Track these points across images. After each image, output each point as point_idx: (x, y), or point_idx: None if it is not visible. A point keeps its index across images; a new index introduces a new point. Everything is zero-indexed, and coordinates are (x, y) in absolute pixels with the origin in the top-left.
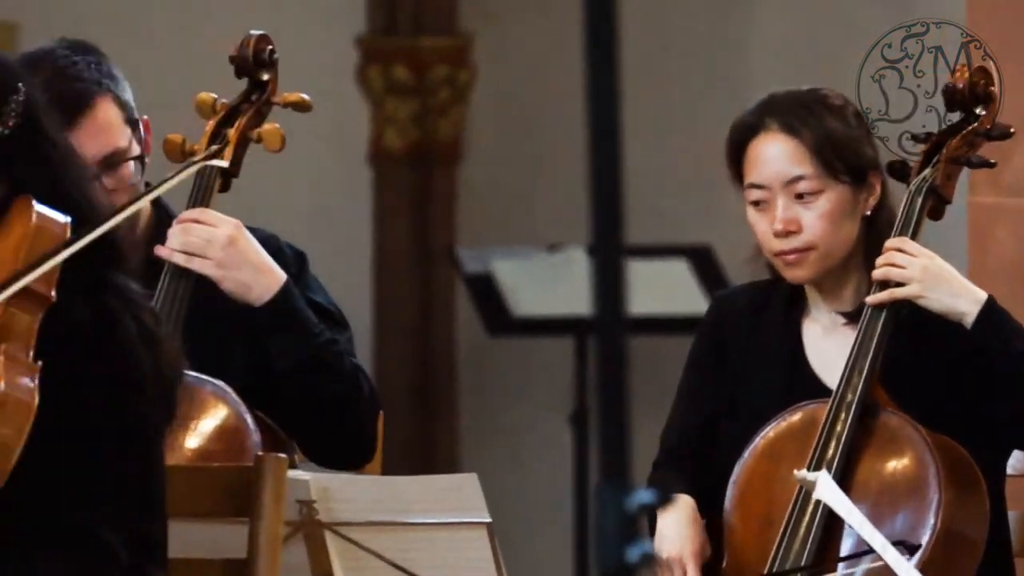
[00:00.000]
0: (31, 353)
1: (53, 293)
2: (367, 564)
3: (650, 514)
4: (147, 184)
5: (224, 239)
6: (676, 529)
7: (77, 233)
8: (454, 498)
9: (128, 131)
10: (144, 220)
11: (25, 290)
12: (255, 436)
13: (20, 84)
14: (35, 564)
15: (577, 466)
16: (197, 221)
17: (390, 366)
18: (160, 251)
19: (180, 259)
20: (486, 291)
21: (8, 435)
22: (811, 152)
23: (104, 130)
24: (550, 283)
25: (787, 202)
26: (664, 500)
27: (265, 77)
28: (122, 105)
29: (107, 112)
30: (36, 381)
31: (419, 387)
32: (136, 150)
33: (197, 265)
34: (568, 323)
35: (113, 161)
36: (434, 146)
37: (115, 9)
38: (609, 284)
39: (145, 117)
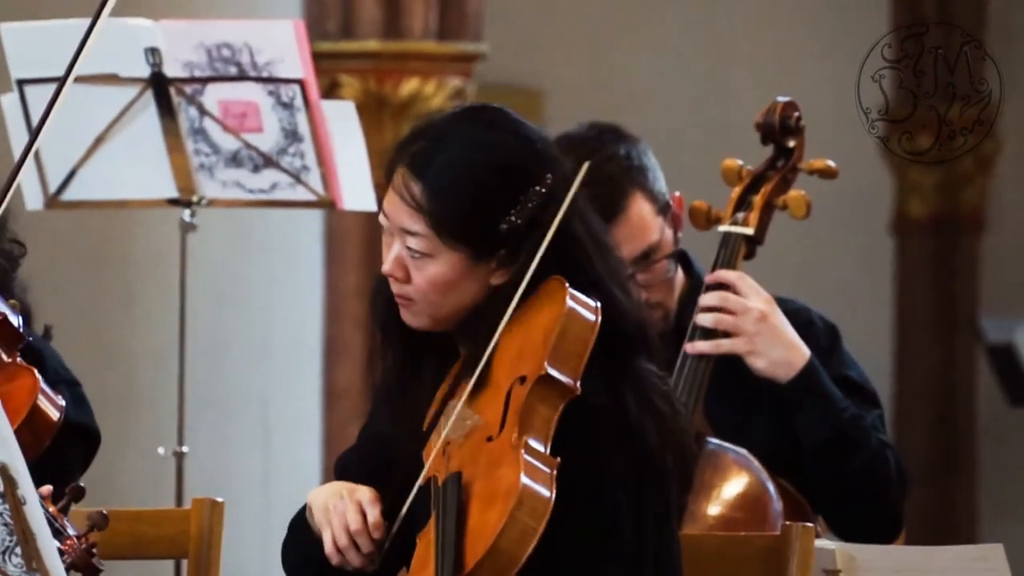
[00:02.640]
0: (549, 445)
1: (578, 385)
2: None
3: None
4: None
5: (757, 314)
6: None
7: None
8: (980, 568)
9: (659, 222)
10: (679, 288)
11: (552, 380)
12: (777, 504)
13: (548, 176)
14: None
15: None
16: (733, 287)
17: (910, 434)
18: (689, 348)
19: (707, 348)
20: (1008, 361)
21: (529, 525)
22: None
23: (638, 230)
24: None
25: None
26: None
27: (791, 144)
28: (653, 198)
29: (639, 210)
30: (554, 473)
31: (939, 455)
32: (669, 243)
33: (727, 347)
34: None
35: (647, 257)
36: (958, 215)
37: (637, 77)
38: None
39: (677, 194)
